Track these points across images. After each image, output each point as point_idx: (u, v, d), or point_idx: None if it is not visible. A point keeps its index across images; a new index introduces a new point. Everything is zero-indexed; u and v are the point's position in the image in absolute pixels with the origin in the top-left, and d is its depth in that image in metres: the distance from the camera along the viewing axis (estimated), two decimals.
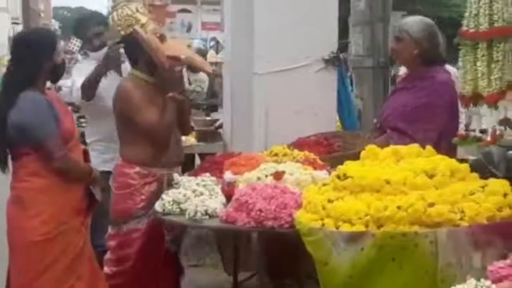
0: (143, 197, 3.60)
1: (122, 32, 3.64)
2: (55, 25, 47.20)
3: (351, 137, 4.45)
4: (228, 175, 3.48)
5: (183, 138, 5.99)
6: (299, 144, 4.35)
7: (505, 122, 3.02)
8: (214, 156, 4.47)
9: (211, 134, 6.08)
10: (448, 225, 2.55)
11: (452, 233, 2.51)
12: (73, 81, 4.51)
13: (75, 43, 5.08)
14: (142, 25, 3.58)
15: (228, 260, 3.96)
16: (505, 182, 2.80)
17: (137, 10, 3.63)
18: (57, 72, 3.36)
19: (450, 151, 3.32)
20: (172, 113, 3.60)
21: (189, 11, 43.23)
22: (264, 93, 4.87)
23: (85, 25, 4.63)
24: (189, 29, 41.70)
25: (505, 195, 2.69)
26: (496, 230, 2.55)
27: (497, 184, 2.75)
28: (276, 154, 3.92)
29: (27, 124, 3.14)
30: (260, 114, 4.90)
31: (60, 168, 3.18)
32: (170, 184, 3.42)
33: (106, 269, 3.61)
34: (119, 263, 3.63)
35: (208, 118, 6.37)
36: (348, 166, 2.90)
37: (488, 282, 1.87)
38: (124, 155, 3.68)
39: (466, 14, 3.00)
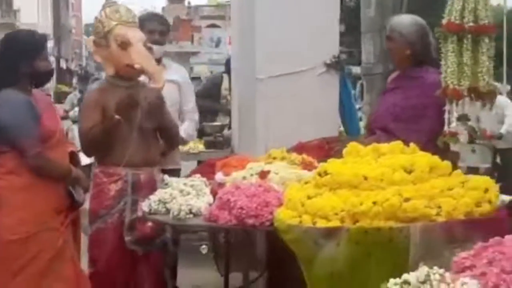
0: (107, 196, 3.65)
1: (95, 38, 3.73)
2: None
3: (352, 141, 4.43)
4: (219, 176, 3.51)
5: (192, 145, 6.10)
6: (299, 148, 4.36)
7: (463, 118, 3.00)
8: (211, 158, 4.49)
9: (219, 142, 6.11)
10: (424, 221, 2.52)
11: (426, 228, 2.48)
12: None
13: None
14: (108, 32, 3.63)
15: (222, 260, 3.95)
16: (488, 178, 2.77)
17: (107, 15, 3.67)
18: (40, 78, 3.38)
19: (440, 152, 3.28)
20: (107, 126, 3.62)
21: (218, 26, 43.53)
22: (266, 98, 4.89)
23: None
24: (218, 44, 42.04)
25: (486, 190, 2.66)
26: (473, 225, 2.51)
27: (479, 180, 2.72)
28: (274, 158, 3.93)
29: (1, 121, 3.16)
30: (262, 119, 4.91)
31: (33, 166, 3.19)
32: (135, 184, 3.58)
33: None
34: (91, 265, 3.69)
35: (216, 123, 6.41)
36: (330, 164, 2.90)
37: (441, 270, 1.85)
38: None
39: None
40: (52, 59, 37.67)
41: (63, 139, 3.43)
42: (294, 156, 3.95)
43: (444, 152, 3.29)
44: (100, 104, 3.67)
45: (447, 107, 3.06)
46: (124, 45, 3.61)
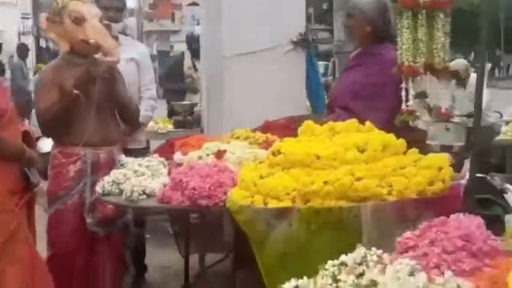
0: (66, 177, 3.60)
1: (49, 15, 3.66)
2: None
3: (319, 120, 4.40)
4: (177, 156, 3.46)
5: (161, 125, 6.04)
6: (266, 127, 4.31)
7: (421, 95, 2.94)
8: (174, 138, 4.43)
9: (188, 121, 6.04)
10: (376, 200, 2.48)
11: (377, 207, 2.45)
12: None
13: None
14: (62, 8, 3.56)
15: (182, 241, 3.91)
16: (443, 156, 2.73)
17: None
18: None
19: (404, 130, 3.23)
20: (69, 102, 3.56)
21: (197, 4, 43.15)
22: (233, 76, 4.84)
23: None
24: (199, 22, 41.69)
25: (440, 169, 2.63)
26: (425, 204, 2.48)
27: (433, 158, 2.69)
28: (237, 137, 3.89)
29: None
30: (229, 97, 4.87)
31: None
32: (94, 164, 3.53)
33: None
34: (50, 247, 3.64)
35: (186, 102, 6.34)
36: (283, 143, 2.85)
37: (379, 251, 1.81)
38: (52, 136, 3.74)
39: None
40: (31, 38, 37.21)
41: (15, 118, 3.34)
42: (258, 135, 3.91)
43: (409, 131, 3.26)
44: (56, 82, 3.60)
45: (403, 85, 3.00)
46: (78, 20, 3.54)
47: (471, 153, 3.23)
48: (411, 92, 3.00)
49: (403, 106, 3.00)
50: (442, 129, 8.17)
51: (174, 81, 7.24)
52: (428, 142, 5.47)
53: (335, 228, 2.48)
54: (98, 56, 3.69)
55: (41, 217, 3.69)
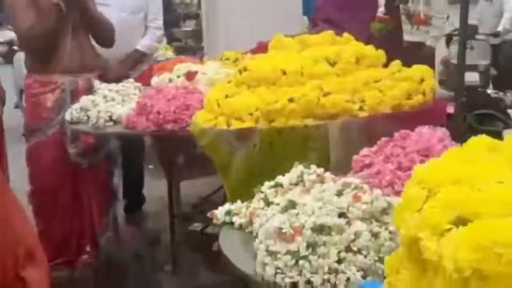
0: (44, 107, 3.39)
1: None
2: None
3: None
4: (154, 80, 3.26)
5: (160, 52, 5.80)
6: (260, 48, 4.07)
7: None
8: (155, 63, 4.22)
9: (189, 47, 5.82)
10: (346, 117, 2.26)
11: (346, 125, 2.23)
12: None
13: None
14: None
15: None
16: (426, 68, 2.48)
17: None
18: None
19: (384, 43, 2.97)
20: (51, 18, 3.29)
21: None
22: None
23: None
24: None
25: (421, 80, 2.39)
26: (401, 121, 2.24)
27: (414, 70, 2.44)
28: (227, 59, 3.68)
29: None
30: (224, 19, 4.66)
31: None
32: (73, 92, 3.27)
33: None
34: (31, 181, 3.48)
35: (186, 29, 6.08)
36: (253, 59, 2.63)
37: (321, 169, 1.60)
38: (25, 64, 3.49)
39: None
40: None
41: None
42: (248, 56, 3.69)
43: (415, 47, 3.00)
44: (31, 1, 3.34)
45: None
46: None
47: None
48: None
49: (378, 13, 2.71)
50: (467, 48, 7.75)
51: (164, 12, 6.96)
52: (452, 61, 5.18)
53: (301, 148, 2.27)
54: None
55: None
